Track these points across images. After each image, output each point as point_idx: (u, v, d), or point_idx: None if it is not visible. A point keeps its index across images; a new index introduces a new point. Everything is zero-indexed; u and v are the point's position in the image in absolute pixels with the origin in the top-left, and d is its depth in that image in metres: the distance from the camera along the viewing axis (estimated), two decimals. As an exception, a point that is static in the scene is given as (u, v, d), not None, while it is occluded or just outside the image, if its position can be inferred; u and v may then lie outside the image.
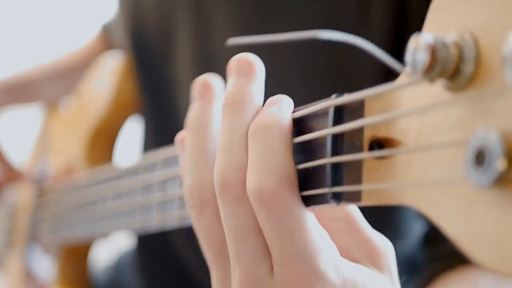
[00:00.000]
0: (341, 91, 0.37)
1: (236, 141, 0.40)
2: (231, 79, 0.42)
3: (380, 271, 0.41)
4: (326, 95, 0.38)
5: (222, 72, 0.80)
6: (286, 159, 0.37)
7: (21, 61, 1.55)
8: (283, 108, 0.39)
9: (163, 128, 0.93)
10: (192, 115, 0.45)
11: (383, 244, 0.42)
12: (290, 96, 0.42)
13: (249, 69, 0.42)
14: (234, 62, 0.42)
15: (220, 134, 0.41)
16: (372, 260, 0.41)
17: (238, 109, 0.40)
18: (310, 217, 0.38)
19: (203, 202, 0.43)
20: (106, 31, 1.15)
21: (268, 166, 0.37)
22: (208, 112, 0.45)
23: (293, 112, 0.39)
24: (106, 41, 1.15)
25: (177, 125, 0.91)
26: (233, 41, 0.34)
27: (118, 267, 1.15)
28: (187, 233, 0.92)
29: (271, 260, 0.40)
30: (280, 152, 0.37)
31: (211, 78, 0.46)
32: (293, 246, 0.37)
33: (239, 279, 0.40)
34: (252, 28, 0.77)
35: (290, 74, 0.76)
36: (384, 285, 0.41)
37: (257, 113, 0.41)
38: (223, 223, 0.41)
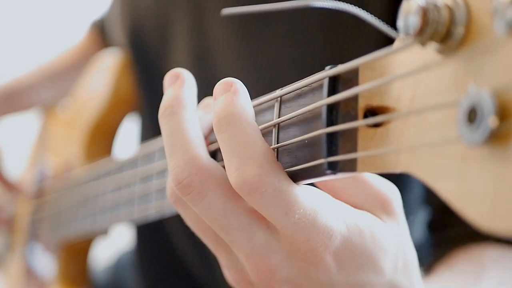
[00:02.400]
0: None
1: (177, 142, 0.41)
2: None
3: (391, 217, 0.42)
4: None
5: (218, 69, 0.81)
6: (259, 143, 0.38)
7: (17, 61, 1.55)
8: (238, 94, 0.40)
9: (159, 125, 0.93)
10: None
11: (390, 191, 0.43)
12: None
13: (176, 79, 0.44)
14: (165, 79, 0.45)
15: (163, 143, 0.42)
16: (384, 208, 0.42)
17: (170, 113, 0.42)
18: (300, 188, 0.38)
19: (181, 199, 0.43)
20: (99, 27, 1.15)
21: (243, 156, 0.37)
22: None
23: (289, 86, 0.39)
24: (99, 39, 1.15)
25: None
26: (227, 11, 0.34)
27: (118, 267, 1.15)
28: (187, 232, 0.93)
29: (264, 225, 0.40)
30: (251, 137, 0.38)
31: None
32: (294, 218, 0.37)
33: (244, 257, 0.41)
34: (248, 26, 0.77)
35: (287, 70, 0.76)
36: (391, 232, 0.42)
37: (191, 113, 0.42)
38: (203, 218, 0.41)
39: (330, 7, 0.31)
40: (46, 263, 1.07)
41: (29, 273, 1.10)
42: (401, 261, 0.42)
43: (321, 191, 0.40)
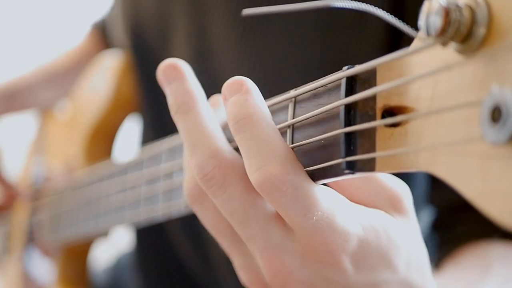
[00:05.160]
0: None
1: (197, 137, 0.41)
2: (166, 91, 0.43)
3: (402, 215, 0.42)
4: None
5: (219, 68, 0.81)
6: (279, 142, 0.38)
7: (17, 61, 1.55)
8: (252, 93, 0.39)
9: (161, 126, 0.93)
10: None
11: (400, 189, 0.43)
12: (286, 89, 0.42)
13: (175, 72, 0.43)
14: (160, 74, 0.44)
15: (182, 139, 0.42)
16: (394, 206, 0.42)
17: (184, 110, 0.42)
18: (320, 189, 0.38)
19: (201, 197, 0.43)
20: (99, 28, 1.15)
21: (264, 155, 0.37)
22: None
23: (304, 86, 0.40)
24: (100, 40, 1.15)
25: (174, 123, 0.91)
26: (248, 11, 0.34)
27: (117, 268, 1.15)
28: (187, 233, 0.93)
29: (282, 224, 0.40)
30: (271, 137, 0.38)
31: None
32: (312, 219, 0.38)
33: (259, 254, 0.41)
34: (248, 25, 0.78)
35: (287, 68, 0.77)
36: (404, 229, 0.42)
37: (203, 105, 0.42)
38: (223, 213, 0.41)
39: (350, 7, 0.32)
40: (44, 269, 1.07)
41: (27, 277, 1.10)
42: (413, 258, 0.42)
43: (336, 192, 0.40)
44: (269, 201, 0.38)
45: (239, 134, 0.38)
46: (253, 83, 0.40)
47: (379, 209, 0.42)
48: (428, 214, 0.76)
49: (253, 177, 0.38)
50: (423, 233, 0.78)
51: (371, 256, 0.40)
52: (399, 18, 0.71)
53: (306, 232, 0.38)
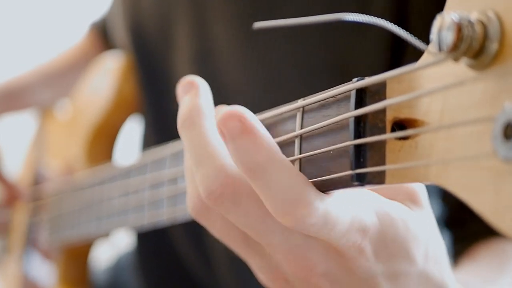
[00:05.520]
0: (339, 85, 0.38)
1: (202, 152, 0.40)
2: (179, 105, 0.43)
3: (419, 208, 0.43)
4: (323, 89, 0.39)
5: (220, 69, 0.81)
6: (296, 183, 0.37)
7: (18, 61, 1.54)
8: (261, 137, 0.38)
9: (162, 127, 0.93)
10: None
11: (415, 184, 0.43)
12: (287, 90, 0.42)
13: (189, 87, 0.43)
14: (178, 88, 0.44)
15: (186, 155, 0.42)
16: (412, 200, 0.43)
17: (190, 124, 0.42)
18: (329, 198, 0.38)
19: (206, 211, 0.43)
20: (99, 28, 1.15)
21: (288, 201, 0.37)
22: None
23: (312, 97, 0.40)
24: (99, 40, 1.15)
25: (176, 122, 0.91)
26: (259, 24, 0.34)
27: (118, 268, 1.15)
28: (188, 233, 0.93)
29: None
30: (287, 180, 0.37)
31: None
32: (326, 232, 0.38)
33: (282, 255, 0.41)
34: (250, 24, 0.77)
35: (289, 70, 0.77)
36: (423, 218, 0.42)
37: (210, 121, 0.42)
38: (238, 226, 0.41)
39: (362, 21, 0.32)
40: (43, 272, 1.07)
41: (26, 280, 1.10)
42: (431, 251, 0.42)
43: (348, 192, 0.40)
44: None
45: (255, 182, 0.37)
46: (254, 116, 0.38)
47: (398, 201, 0.42)
48: (440, 210, 0.76)
49: (283, 220, 0.37)
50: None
51: (388, 245, 0.40)
52: (403, 18, 0.71)
53: (324, 238, 0.39)
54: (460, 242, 0.68)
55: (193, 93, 0.44)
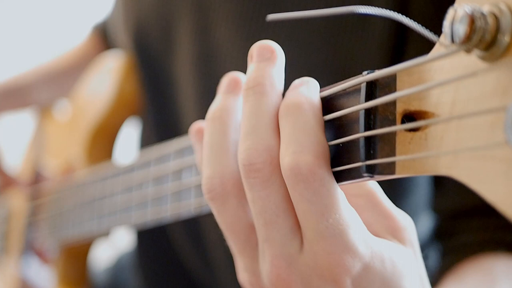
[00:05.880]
0: None
1: (261, 123, 0.40)
2: (251, 65, 0.43)
3: (403, 244, 0.42)
4: None
5: (223, 69, 0.81)
6: (320, 136, 0.38)
7: (17, 61, 1.54)
8: (312, 87, 0.40)
9: (163, 126, 0.93)
10: (214, 106, 0.45)
11: (403, 219, 0.43)
12: None
13: (270, 55, 0.42)
14: (255, 48, 0.43)
15: (243, 118, 0.41)
16: (394, 234, 0.43)
17: (261, 91, 0.41)
18: (342, 193, 0.39)
19: (225, 193, 0.43)
20: (100, 30, 1.15)
21: (303, 143, 0.37)
22: (231, 103, 0.44)
23: (323, 91, 0.40)
24: (100, 41, 1.15)
25: (177, 123, 0.92)
26: (272, 16, 0.34)
27: (118, 268, 1.15)
28: (188, 233, 0.93)
29: (300, 237, 0.41)
30: (315, 129, 0.38)
31: (241, 76, 0.46)
32: (327, 221, 0.38)
33: (270, 258, 0.41)
34: (253, 25, 0.78)
35: (291, 71, 0.77)
36: (408, 259, 0.42)
37: (279, 96, 0.41)
38: (251, 207, 0.41)
39: (374, 13, 0.32)
40: (41, 275, 1.06)
41: (24, 284, 1.09)
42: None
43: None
44: (291, 190, 0.38)
45: (285, 118, 0.39)
46: (316, 81, 0.41)
47: (376, 231, 0.42)
48: (431, 221, 0.76)
49: (285, 160, 0.38)
50: (423, 239, 0.78)
51: (374, 283, 0.40)
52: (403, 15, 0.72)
53: (317, 237, 0.39)
54: (448, 256, 0.67)
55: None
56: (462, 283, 0.62)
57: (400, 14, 0.34)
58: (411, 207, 0.80)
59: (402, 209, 0.44)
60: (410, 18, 0.69)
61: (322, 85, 0.41)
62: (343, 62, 0.73)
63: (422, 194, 0.81)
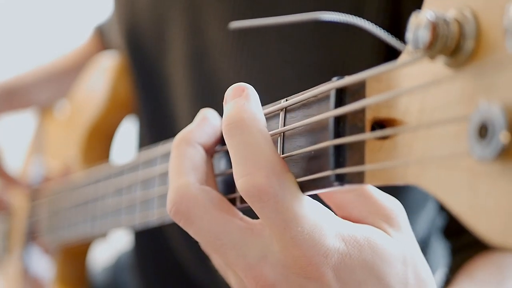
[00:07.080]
0: None
1: (179, 166, 0.42)
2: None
3: (396, 230, 0.42)
4: None
5: (215, 69, 0.81)
6: (268, 152, 0.38)
7: (18, 61, 1.55)
8: (251, 100, 0.40)
9: (157, 126, 0.93)
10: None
11: (393, 205, 0.42)
12: (282, 90, 0.42)
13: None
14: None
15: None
16: (388, 222, 0.42)
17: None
18: (304, 200, 0.38)
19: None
20: (100, 32, 1.15)
21: (252, 164, 0.37)
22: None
23: (295, 97, 0.39)
24: (100, 43, 1.15)
25: (171, 123, 0.91)
26: (235, 24, 0.34)
27: (116, 268, 1.15)
28: (185, 234, 0.92)
29: (259, 235, 0.40)
30: (261, 146, 0.38)
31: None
32: (291, 233, 0.37)
33: (243, 273, 0.41)
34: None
35: (285, 70, 0.76)
36: (398, 242, 0.41)
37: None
38: (198, 241, 0.42)
39: (339, 20, 0.31)
40: (43, 265, 1.07)
41: (27, 275, 1.10)
42: (412, 277, 0.41)
43: (322, 205, 0.39)
44: (253, 208, 0.38)
45: (230, 139, 0.38)
46: (254, 91, 0.40)
47: (372, 224, 0.41)
48: (431, 217, 0.76)
49: (238, 183, 0.38)
50: (423, 235, 0.77)
51: (356, 271, 0.39)
52: (397, 17, 0.71)
53: (286, 245, 0.38)
54: (458, 254, 0.67)
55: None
56: (473, 279, 0.62)
57: (365, 21, 0.33)
58: (411, 203, 0.79)
59: (402, 206, 0.44)
60: (404, 15, 0.69)
61: (316, 85, 0.40)
62: (338, 62, 0.73)
63: (419, 191, 0.81)
